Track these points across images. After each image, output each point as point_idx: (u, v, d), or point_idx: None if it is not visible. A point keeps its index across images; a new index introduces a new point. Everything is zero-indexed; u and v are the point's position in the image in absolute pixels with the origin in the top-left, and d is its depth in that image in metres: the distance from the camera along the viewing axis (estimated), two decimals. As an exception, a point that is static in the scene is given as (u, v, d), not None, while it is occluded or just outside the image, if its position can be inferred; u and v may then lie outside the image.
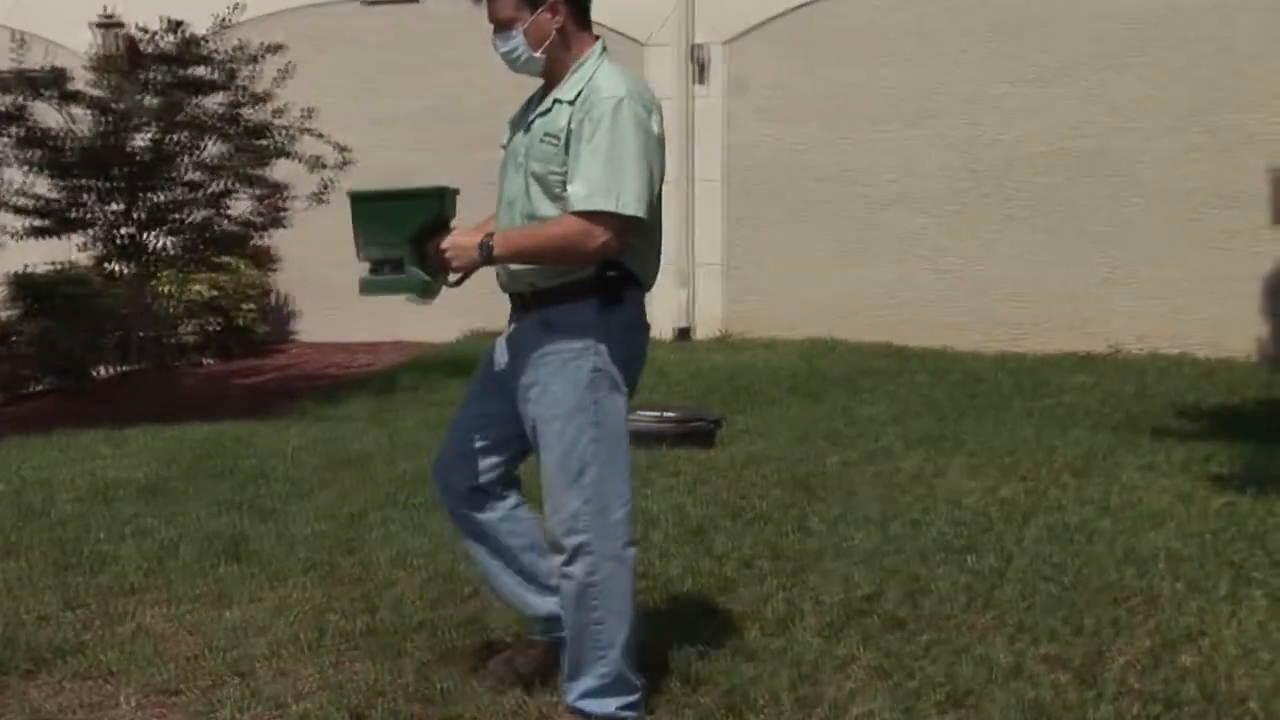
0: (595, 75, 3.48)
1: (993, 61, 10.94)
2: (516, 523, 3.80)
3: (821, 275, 11.31)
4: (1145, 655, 4.08)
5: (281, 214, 9.84)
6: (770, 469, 6.56)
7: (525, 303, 3.61)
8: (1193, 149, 10.50)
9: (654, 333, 12.04)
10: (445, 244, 3.54)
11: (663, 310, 11.49)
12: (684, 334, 11.47)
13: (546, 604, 3.82)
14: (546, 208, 3.49)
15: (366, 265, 3.65)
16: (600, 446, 3.52)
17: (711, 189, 11.47)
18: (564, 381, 3.51)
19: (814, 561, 5.01)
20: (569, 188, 3.42)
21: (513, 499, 3.82)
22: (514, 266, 3.54)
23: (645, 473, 6.59)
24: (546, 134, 3.47)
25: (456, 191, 3.64)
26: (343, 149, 9.48)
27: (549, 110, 3.50)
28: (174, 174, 9.44)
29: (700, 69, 11.51)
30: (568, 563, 3.56)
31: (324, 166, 9.42)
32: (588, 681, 3.64)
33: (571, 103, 3.45)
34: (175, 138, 9.30)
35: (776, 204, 11.29)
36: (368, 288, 3.62)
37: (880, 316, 11.18)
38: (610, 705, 3.64)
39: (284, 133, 9.45)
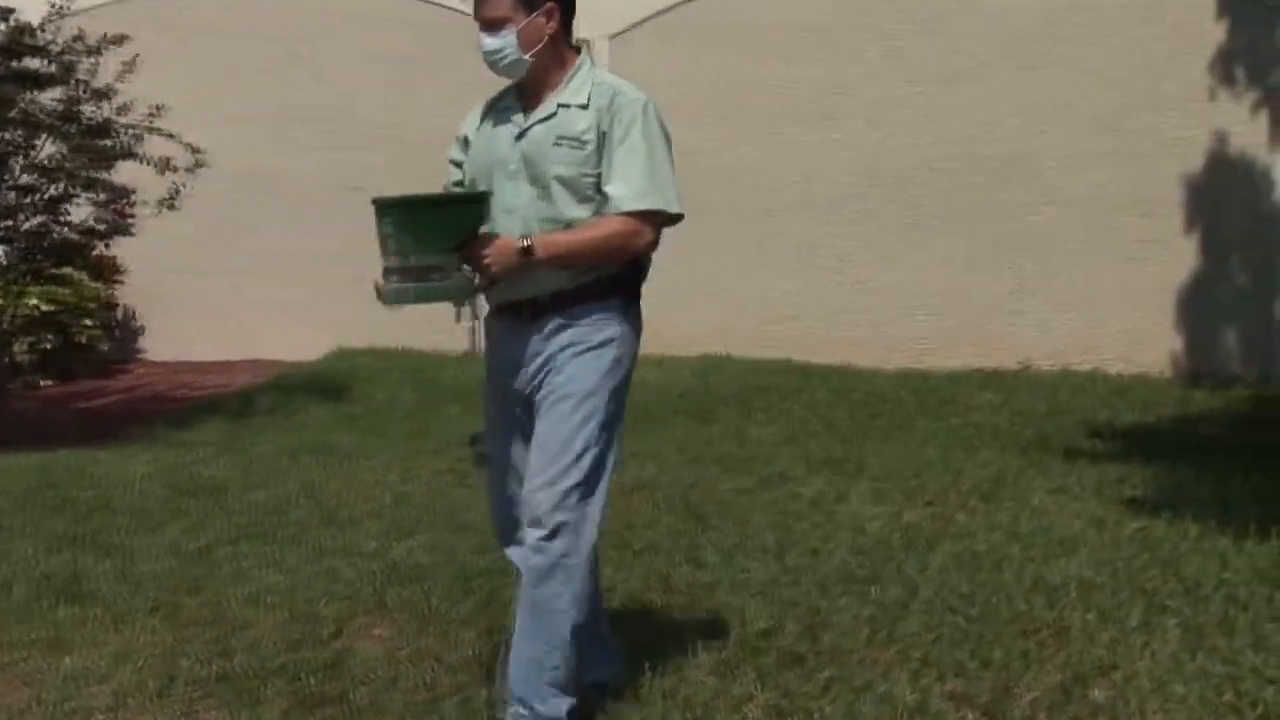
0: (604, 80, 3.79)
1: (898, 60, 11.10)
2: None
3: (716, 286, 11.38)
4: (1055, 690, 4.15)
5: (126, 221, 9.66)
6: (660, 495, 6.58)
7: (537, 308, 3.77)
8: (1106, 154, 10.74)
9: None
10: (485, 250, 3.66)
11: (545, 325, 11.50)
12: (568, 350, 11.47)
13: (596, 672, 3.99)
14: (574, 210, 3.73)
15: (381, 274, 3.68)
16: (604, 435, 3.76)
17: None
18: (583, 366, 3.74)
19: (707, 594, 5.04)
20: (608, 189, 3.71)
21: None
22: (536, 271, 3.69)
23: (526, 501, 6.58)
24: (562, 138, 3.72)
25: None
26: (195, 150, 9.35)
27: (552, 115, 3.76)
28: (4, 177, 9.23)
29: (584, 65, 11.53)
30: (548, 538, 3.67)
31: (174, 169, 9.27)
32: (535, 673, 3.73)
33: (584, 107, 3.73)
34: (5, 136, 9.10)
35: (667, 210, 11.34)
36: (398, 297, 3.65)
37: (778, 331, 11.27)
38: (559, 706, 3.75)
39: (129, 132, 9.29)
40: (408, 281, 3.64)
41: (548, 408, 3.73)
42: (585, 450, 3.70)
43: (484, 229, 3.72)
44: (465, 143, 3.96)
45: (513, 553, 3.98)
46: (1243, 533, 5.79)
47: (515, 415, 3.87)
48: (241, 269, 11.97)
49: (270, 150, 11.90)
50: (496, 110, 3.90)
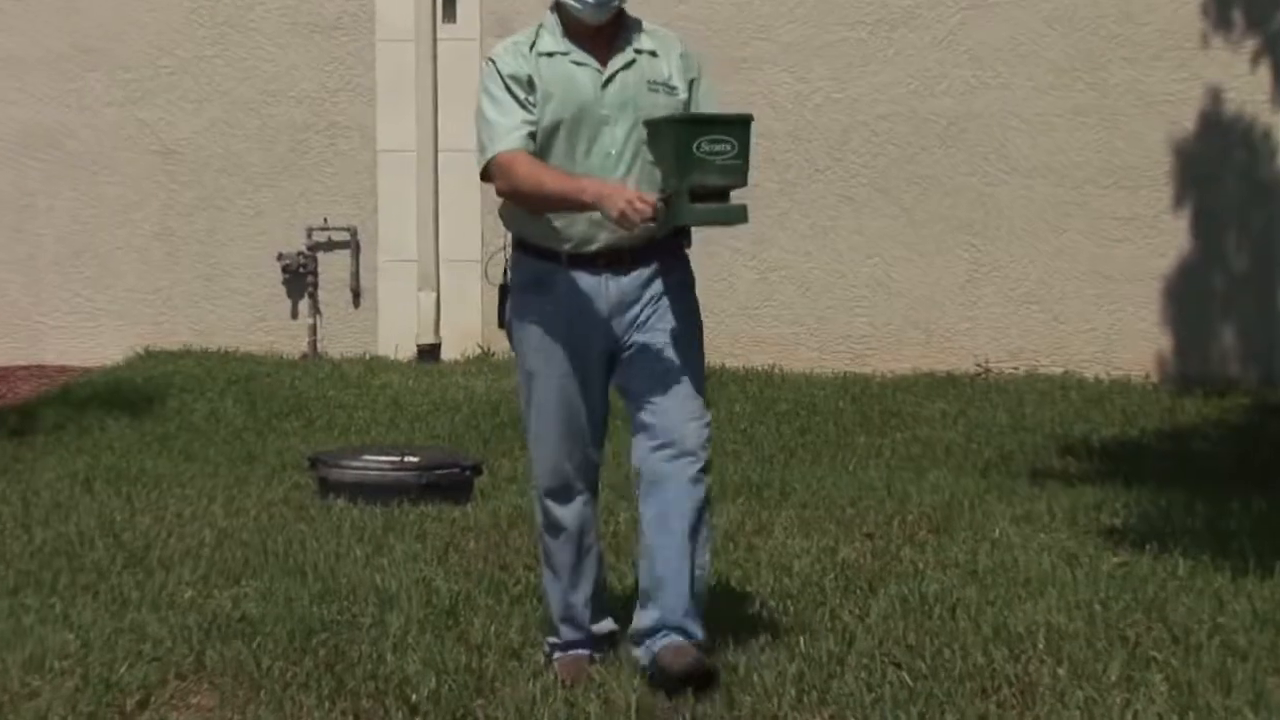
0: (656, 28, 4.86)
1: (826, -2, 11.17)
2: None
3: (610, 274, 11.36)
4: (1020, 759, 4.21)
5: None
6: (543, 529, 6.57)
7: (639, 254, 4.77)
8: (1075, 112, 10.86)
9: (389, 350, 11.82)
10: None
11: (400, 321, 11.44)
12: (430, 353, 11.41)
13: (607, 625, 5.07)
14: None
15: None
16: None
17: (464, 161, 11.33)
18: (690, 302, 4.88)
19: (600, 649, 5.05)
20: None
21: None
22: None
23: (380, 536, 6.56)
24: (654, 83, 4.76)
25: None
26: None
27: (633, 62, 4.76)
28: None
29: (447, 2, 11.51)
30: (705, 470, 4.84)
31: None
32: (694, 606, 4.77)
33: (654, 54, 4.79)
34: None
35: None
36: (692, 215, 4.64)
37: (686, 328, 11.27)
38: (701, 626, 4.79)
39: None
40: (694, 202, 4.57)
41: (673, 341, 4.79)
42: (704, 383, 4.88)
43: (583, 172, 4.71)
44: (531, 85, 4.73)
45: (564, 512, 4.88)
46: (1241, 569, 5.90)
47: (588, 369, 4.80)
48: (20, 253, 11.78)
49: (56, 103, 11.72)
50: (548, 54, 4.76)
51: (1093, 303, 10.89)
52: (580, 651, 4.96)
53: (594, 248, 4.75)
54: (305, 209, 11.51)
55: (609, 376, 4.87)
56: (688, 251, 4.95)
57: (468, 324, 11.47)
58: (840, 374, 10.73)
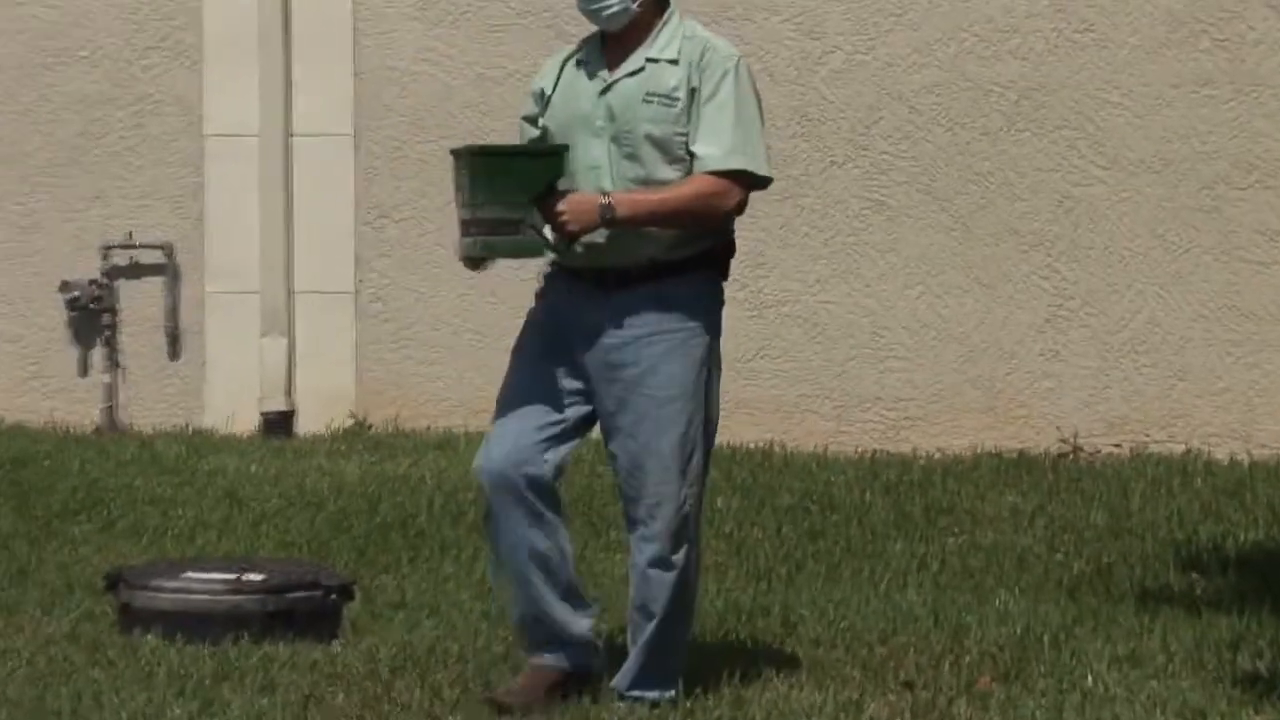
0: (694, 33, 6.13)
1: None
2: (564, 525, 6.32)
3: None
4: None
5: None
6: (446, 675, 6.59)
7: (625, 279, 6.07)
8: (1200, 80, 10.96)
9: (220, 421, 11.97)
10: (562, 206, 5.98)
11: (236, 378, 11.41)
12: (280, 423, 11.39)
13: (582, 624, 6.34)
14: (664, 172, 6.09)
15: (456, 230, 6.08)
16: (706, 428, 6.28)
17: (332, 151, 11.48)
18: (681, 362, 6.12)
19: None
20: (696, 148, 6.05)
21: (559, 498, 6.30)
22: (627, 237, 6.01)
23: (209, 687, 6.56)
24: (651, 94, 6.03)
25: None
26: None
27: (640, 70, 6.07)
28: None
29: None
30: (674, 550, 6.11)
31: None
32: (651, 671, 6.21)
33: (674, 62, 6.04)
34: None
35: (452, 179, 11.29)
36: (468, 250, 6.05)
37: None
38: (665, 690, 6.23)
39: None
40: (478, 234, 5.95)
41: (653, 414, 6.06)
42: (693, 452, 6.17)
43: (566, 187, 5.99)
44: (542, 98, 6.22)
45: (487, 478, 6.19)
46: None
47: (556, 372, 6.18)
48: None
49: None
50: (576, 63, 6.19)
51: (1226, 352, 10.95)
52: (545, 659, 6.29)
53: (576, 264, 6.14)
54: (101, 218, 11.50)
55: (582, 396, 6.22)
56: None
57: (334, 383, 11.46)
58: (867, 453, 10.77)
